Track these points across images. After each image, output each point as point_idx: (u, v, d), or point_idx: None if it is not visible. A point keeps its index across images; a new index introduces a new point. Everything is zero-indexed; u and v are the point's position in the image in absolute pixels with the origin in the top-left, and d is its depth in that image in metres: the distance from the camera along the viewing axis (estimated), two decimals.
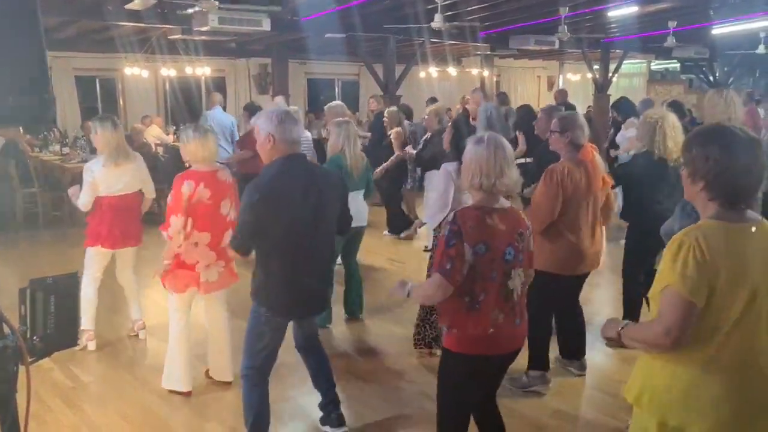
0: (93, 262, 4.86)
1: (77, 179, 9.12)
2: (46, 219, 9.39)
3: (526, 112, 7.72)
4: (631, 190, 4.84)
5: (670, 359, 2.05)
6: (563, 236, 3.97)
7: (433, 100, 10.21)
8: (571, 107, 8.84)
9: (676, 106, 7.85)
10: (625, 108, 7.92)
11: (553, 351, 4.42)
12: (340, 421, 3.67)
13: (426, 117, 7.77)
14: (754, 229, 2.02)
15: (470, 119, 7.30)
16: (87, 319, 4.83)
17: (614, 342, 2.25)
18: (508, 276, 2.71)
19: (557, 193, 3.91)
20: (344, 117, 5.81)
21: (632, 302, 4.84)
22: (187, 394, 4.16)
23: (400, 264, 7.29)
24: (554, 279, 4.00)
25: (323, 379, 3.68)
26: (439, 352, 4.62)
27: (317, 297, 3.41)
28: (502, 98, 10.97)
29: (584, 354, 4.47)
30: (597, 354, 4.67)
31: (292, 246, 3.16)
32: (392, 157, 7.88)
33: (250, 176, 6.80)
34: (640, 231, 4.69)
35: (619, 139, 7.93)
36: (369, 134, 9.76)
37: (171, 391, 4.19)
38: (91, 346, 4.91)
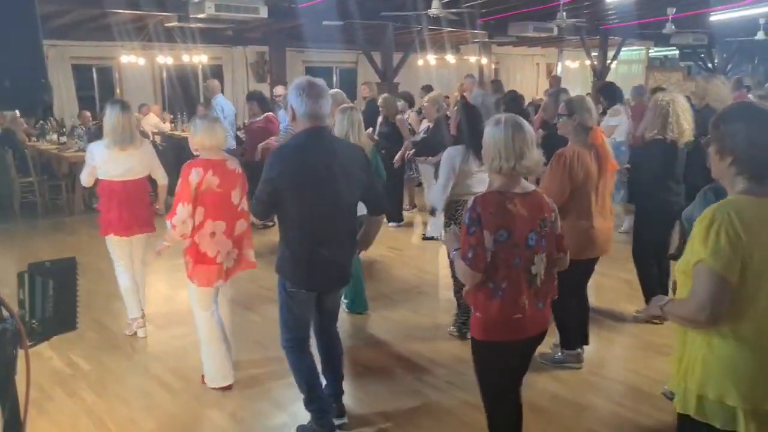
0: (114, 251, 4.87)
1: (75, 168, 9.18)
2: (45, 208, 9.39)
3: (512, 98, 7.70)
4: (643, 175, 4.85)
5: (708, 332, 2.07)
6: (575, 221, 3.94)
7: (428, 88, 10.17)
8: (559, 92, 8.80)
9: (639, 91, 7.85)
10: (610, 93, 7.76)
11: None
12: (340, 412, 3.65)
13: (424, 105, 7.75)
14: None
15: None
16: (131, 308, 4.92)
17: (658, 319, 2.33)
18: (531, 262, 2.67)
19: (565, 178, 3.90)
20: (347, 104, 5.80)
21: (650, 287, 4.89)
22: (230, 387, 4.13)
23: (398, 251, 7.29)
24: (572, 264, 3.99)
25: (332, 367, 3.65)
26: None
27: (339, 270, 3.37)
28: (497, 86, 10.96)
29: (587, 343, 4.44)
30: (597, 340, 4.68)
31: (312, 218, 3.16)
32: (405, 144, 7.91)
33: (251, 164, 6.84)
34: (650, 216, 4.74)
35: (602, 126, 7.87)
36: None
37: (215, 388, 4.11)
38: (141, 333, 4.95)
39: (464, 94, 9.35)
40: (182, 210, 3.77)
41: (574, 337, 4.34)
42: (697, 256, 2.01)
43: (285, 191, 3.12)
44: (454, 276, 4.77)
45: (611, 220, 4.25)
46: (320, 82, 3.22)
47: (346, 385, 3.80)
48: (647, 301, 4.97)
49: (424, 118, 7.90)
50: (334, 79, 16.52)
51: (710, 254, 1.96)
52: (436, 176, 5.38)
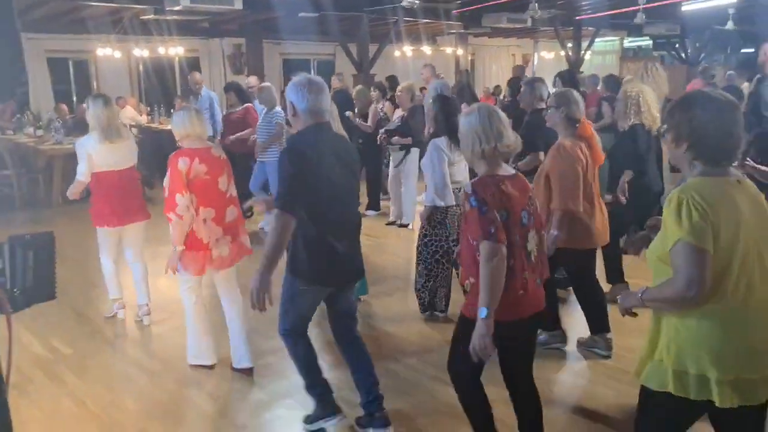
0: (103, 242, 4.98)
1: (52, 161, 9.20)
2: (22, 201, 9.41)
3: (461, 88, 7.95)
4: (625, 161, 5.02)
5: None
6: (577, 212, 4.02)
7: (393, 79, 10.32)
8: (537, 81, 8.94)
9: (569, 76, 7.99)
10: (571, 80, 7.92)
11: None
12: (385, 422, 3.43)
13: (398, 94, 7.88)
14: (740, 182, 2.17)
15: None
16: (112, 289, 5.10)
17: (630, 312, 2.37)
18: (525, 239, 2.79)
19: (576, 165, 3.97)
20: None
21: (616, 269, 5.13)
22: (212, 367, 4.24)
23: (374, 239, 7.44)
24: (574, 254, 4.11)
25: (364, 374, 3.47)
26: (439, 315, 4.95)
27: (355, 263, 3.40)
28: (463, 76, 11.17)
29: (608, 330, 4.38)
30: (577, 323, 4.80)
31: (329, 212, 3.15)
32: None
33: (235, 155, 6.92)
34: (632, 198, 4.94)
35: None
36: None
37: (195, 366, 4.25)
38: (121, 314, 5.10)
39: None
40: (182, 199, 3.84)
41: (605, 319, 4.35)
42: (673, 237, 2.07)
43: (304, 184, 3.05)
44: (425, 263, 4.95)
45: (604, 213, 4.31)
46: (318, 79, 3.25)
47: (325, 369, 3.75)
48: (609, 280, 5.19)
49: (398, 107, 8.03)
50: (312, 71, 16.59)
51: (687, 232, 2.03)
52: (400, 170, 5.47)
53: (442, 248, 4.85)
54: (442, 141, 4.74)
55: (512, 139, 2.82)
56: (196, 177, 3.90)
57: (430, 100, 5.24)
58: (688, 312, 2.12)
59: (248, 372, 4.20)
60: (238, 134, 7.89)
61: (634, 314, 2.39)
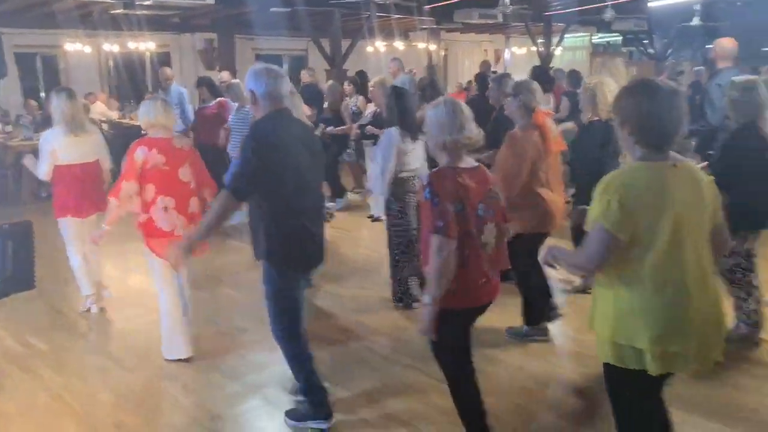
0: (68, 233, 4.97)
1: (21, 158, 9.06)
2: None
3: (427, 84, 8.07)
4: (585, 154, 5.13)
5: (612, 284, 2.35)
6: (531, 197, 4.18)
7: (362, 74, 10.39)
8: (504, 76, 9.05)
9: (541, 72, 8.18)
10: (542, 76, 8.14)
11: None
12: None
13: (371, 89, 7.93)
14: (675, 166, 2.30)
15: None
16: (84, 286, 5.09)
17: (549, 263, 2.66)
18: (481, 231, 2.86)
19: (523, 156, 4.13)
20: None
21: None
22: (187, 360, 4.28)
23: (345, 232, 7.51)
24: (533, 238, 4.27)
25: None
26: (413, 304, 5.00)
27: (321, 250, 3.47)
28: (431, 71, 11.30)
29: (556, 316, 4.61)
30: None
31: (299, 197, 3.20)
32: (342, 128, 8.10)
33: (203, 148, 6.93)
34: (591, 192, 5.05)
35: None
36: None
37: (170, 360, 4.28)
38: (94, 309, 5.11)
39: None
40: (126, 186, 3.94)
41: (543, 310, 4.52)
42: (593, 215, 2.30)
43: (268, 171, 3.08)
44: (393, 254, 5.05)
45: (562, 198, 4.49)
46: (276, 67, 3.31)
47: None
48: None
49: (371, 101, 8.09)
50: (285, 66, 16.53)
51: (602, 214, 2.25)
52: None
53: (406, 238, 4.97)
54: (394, 130, 4.86)
55: (474, 132, 2.90)
56: (154, 167, 3.97)
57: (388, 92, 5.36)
58: (620, 284, 2.32)
59: (211, 366, 4.26)
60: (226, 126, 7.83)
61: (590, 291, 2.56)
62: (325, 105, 8.58)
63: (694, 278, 2.28)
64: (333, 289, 5.64)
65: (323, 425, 3.45)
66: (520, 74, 11.20)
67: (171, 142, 4.09)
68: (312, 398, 3.45)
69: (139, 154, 3.94)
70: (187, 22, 13.73)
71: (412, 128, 4.84)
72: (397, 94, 5.00)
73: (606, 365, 2.45)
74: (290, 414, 3.57)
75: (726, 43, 5.84)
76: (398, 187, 4.87)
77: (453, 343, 3.03)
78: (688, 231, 2.26)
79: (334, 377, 3.94)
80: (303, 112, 6.46)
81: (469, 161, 2.96)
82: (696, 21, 15.93)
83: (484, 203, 2.87)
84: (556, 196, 4.35)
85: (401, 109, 4.86)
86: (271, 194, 3.16)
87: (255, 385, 4.03)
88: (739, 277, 4.23)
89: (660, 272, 2.26)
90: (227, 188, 3.11)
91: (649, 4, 15.38)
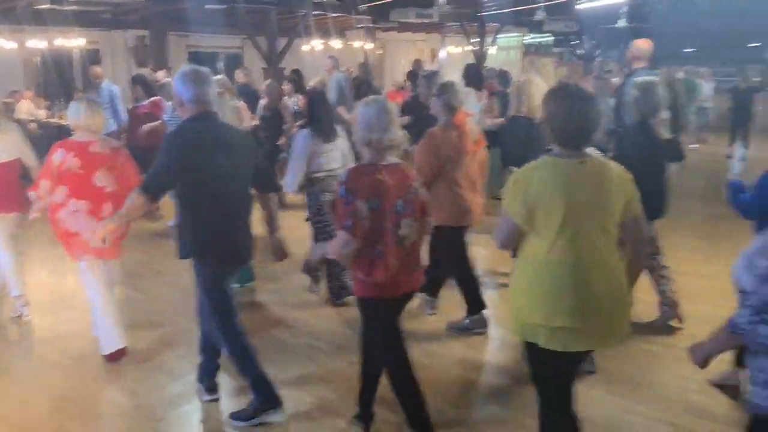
0: None
1: None
2: None
3: (362, 83, 8.21)
4: (509, 150, 5.28)
5: (522, 266, 2.59)
6: (448, 191, 4.34)
7: (297, 72, 10.40)
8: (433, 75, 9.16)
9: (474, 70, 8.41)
10: (475, 74, 8.28)
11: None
12: (213, 386, 3.77)
13: (310, 88, 7.94)
14: (583, 162, 2.49)
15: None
16: (14, 285, 4.91)
17: None
18: (399, 226, 2.97)
19: (432, 153, 4.30)
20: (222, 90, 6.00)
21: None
22: (124, 350, 4.26)
23: (286, 231, 7.44)
24: (452, 231, 4.42)
25: (213, 348, 3.68)
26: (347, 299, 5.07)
27: (248, 246, 3.53)
28: (364, 69, 11.41)
29: (485, 307, 4.72)
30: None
31: (222, 196, 3.29)
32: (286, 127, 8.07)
33: (135, 148, 6.79)
34: None
35: (466, 109, 8.26)
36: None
37: (110, 360, 4.22)
38: (26, 312, 4.92)
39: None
40: (43, 185, 4.03)
41: (478, 300, 4.66)
42: (503, 204, 2.60)
43: (187, 172, 3.19)
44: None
45: (481, 196, 4.62)
46: (204, 69, 3.37)
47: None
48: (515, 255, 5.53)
49: None
50: (220, 64, 16.29)
51: (507, 202, 2.56)
52: None
53: (329, 234, 5.01)
54: (305, 133, 4.97)
55: (398, 135, 3.03)
56: (68, 170, 3.98)
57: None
58: (524, 265, 2.58)
59: (153, 366, 4.24)
60: (150, 124, 7.68)
61: None
62: (263, 104, 8.50)
63: (590, 264, 2.46)
64: (274, 287, 5.63)
65: (279, 416, 3.48)
66: (454, 73, 11.42)
67: (90, 147, 4.05)
68: (260, 391, 3.46)
69: (56, 156, 3.98)
70: (118, 18, 13.37)
71: (325, 131, 4.92)
72: (310, 97, 5.11)
73: (524, 344, 2.64)
74: (236, 415, 3.54)
75: (641, 44, 6.04)
76: (314, 187, 4.98)
77: (379, 333, 3.18)
78: (585, 221, 2.45)
79: (276, 374, 3.93)
80: (242, 113, 6.47)
81: (390, 159, 3.05)
82: (622, 23, 16.55)
83: (403, 199, 2.98)
84: (473, 193, 4.50)
85: (313, 112, 4.97)
86: (190, 194, 3.28)
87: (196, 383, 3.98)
88: (652, 262, 4.47)
89: (556, 257, 2.48)
90: (139, 187, 3.25)
91: (578, 6, 15.90)
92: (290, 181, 4.93)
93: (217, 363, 3.74)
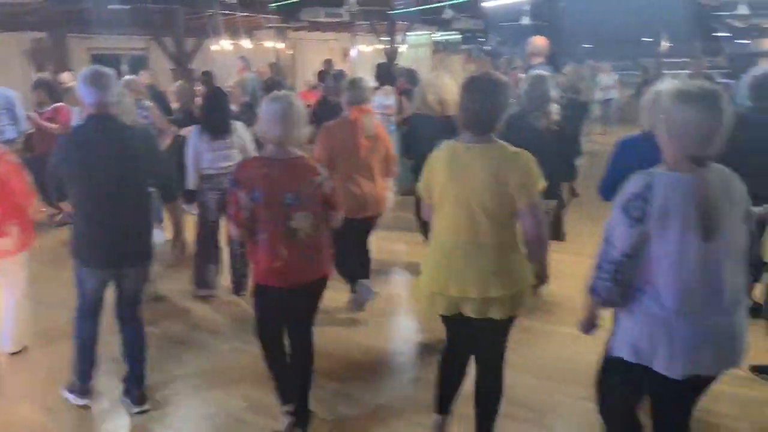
0: None
1: None
2: None
3: (275, 83, 8.28)
4: (414, 145, 5.40)
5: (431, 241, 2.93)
6: (343, 184, 4.43)
7: (208, 74, 10.26)
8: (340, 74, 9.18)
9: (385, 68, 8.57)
10: (387, 73, 8.42)
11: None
12: (140, 399, 3.68)
13: (230, 89, 7.81)
14: (470, 147, 2.71)
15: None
16: None
17: None
18: (290, 218, 3.04)
19: (323, 146, 4.51)
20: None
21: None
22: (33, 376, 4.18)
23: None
24: (349, 223, 4.42)
25: (136, 352, 3.70)
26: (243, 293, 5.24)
27: (129, 248, 3.48)
28: (275, 69, 11.40)
29: (367, 277, 4.99)
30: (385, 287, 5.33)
31: (104, 197, 3.33)
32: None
33: (38, 155, 6.45)
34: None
35: (376, 105, 8.30)
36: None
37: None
38: None
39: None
40: None
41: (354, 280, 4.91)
42: None
43: (70, 175, 3.32)
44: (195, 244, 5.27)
45: (380, 186, 4.73)
46: (107, 71, 3.38)
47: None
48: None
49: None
50: (125, 67, 15.71)
51: (419, 183, 2.90)
52: None
53: (206, 229, 5.25)
54: (194, 130, 5.13)
55: (300, 132, 3.15)
56: None
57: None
58: (430, 243, 2.93)
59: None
60: (50, 126, 7.29)
61: None
62: (175, 106, 8.29)
63: (465, 241, 2.72)
64: (175, 286, 5.59)
65: (80, 401, 3.69)
66: (366, 72, 11.50)
67: None
68: (78, 376, 3.67)
69: None
70: (13, 20, 12.63)
71: (212, 128, 5.04)
72: (205, 95, 5.29)
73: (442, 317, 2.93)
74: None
75: (538, 41, 6.32)
76: (203, 184, 5.12)
77: (263, 315, 3.31)
78: (467, 201, 2.68)
79: (162, 360, 4.19)
80: (156, 117, 6.41)
81: (291, 152, 3.11)
82: (526, 20, 17.13)
83: (295, 193, 3.03)
84: (369, 185, 4.63)
85: (205, 110, 5.18)
86: (74, 195, 3.37)
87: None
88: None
89: (442, 232, 2.81)
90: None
91: (483, 5, 16.32)
92: (189, 179, 5.06)
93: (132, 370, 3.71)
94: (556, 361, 4.15)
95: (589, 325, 2.51)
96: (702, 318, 2.18)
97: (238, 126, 5.17)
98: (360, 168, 4.56)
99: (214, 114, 5.10)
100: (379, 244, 5.46)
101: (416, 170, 5.44)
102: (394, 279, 5.79)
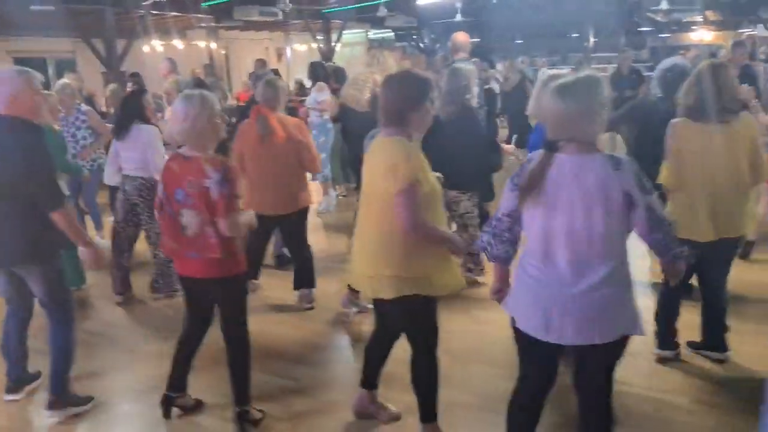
0: None
1: None
2: None
3: (196, 84, 8.30)
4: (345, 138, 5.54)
5: None
6: (248, 181, 4.67)
7: (136, 75, 10.05)
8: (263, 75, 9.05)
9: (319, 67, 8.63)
10: (317, 73, 8.38)
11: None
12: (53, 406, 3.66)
13: (167, 90, 7.65)
14: (380, 139, 2.87)
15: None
16: None
17: None
18: (179, 214, 3.09)
19: (235, 147, 4.82)
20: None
21: None
22: None
23: None
24: (259, 220, 4.44)
25: (56, 352, 3.61)
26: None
27: (14, 247, 3.36)
28: (209, 70, 11.29)
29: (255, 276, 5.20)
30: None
31: None
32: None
33: None
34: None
35: (310, 102, 8.38)
36: None
37: None
38: None
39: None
40: None
41: (257, 270, 5.16)
42: None
43: None
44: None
45: (294, 185, 4.76)
46: (26, 71, 3.36)
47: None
48: None
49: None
50: (50, 71, 15.14)
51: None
52: None
53: (117, 230, 5.28)
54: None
55: (215, 132, 3.15)
56: None
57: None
58: None
59: None
60: None
61: None
62: (106, 110, 8.09)
63: (361, 224, 2.96)
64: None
65: (15, 397, 3.79)
66: (301, 71, 11.43)
67: None
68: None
69: None
70: None
71: (117, 130, 5.13)
72: (123, 98, 5.45)
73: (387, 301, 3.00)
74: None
75: (460, 37, 6.46)
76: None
77: (186, 301, 3.45)
78: (368, 188, 2.91)
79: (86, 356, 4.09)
80: (95, 122, 6.35)
81: (190, 151, 3.12)
82: (459, 17, 17.38)
83: (183, 189, 3.06)
84: (265, 184, 4.69)
85: (118, 113, 5.32)
86: None
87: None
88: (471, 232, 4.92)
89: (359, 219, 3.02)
90: None
91: (417, 2, 16.49)
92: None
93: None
94: (472, 348, 4.19)
95: (496, 291, 2.70)
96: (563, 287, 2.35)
97: (144, 128, 4.96)
98: (260, 165, 4.67)
99: (120, 115, 5.22)
100: (330, 241, 5.46)
101: (348, 164, 5.56)
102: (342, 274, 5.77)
